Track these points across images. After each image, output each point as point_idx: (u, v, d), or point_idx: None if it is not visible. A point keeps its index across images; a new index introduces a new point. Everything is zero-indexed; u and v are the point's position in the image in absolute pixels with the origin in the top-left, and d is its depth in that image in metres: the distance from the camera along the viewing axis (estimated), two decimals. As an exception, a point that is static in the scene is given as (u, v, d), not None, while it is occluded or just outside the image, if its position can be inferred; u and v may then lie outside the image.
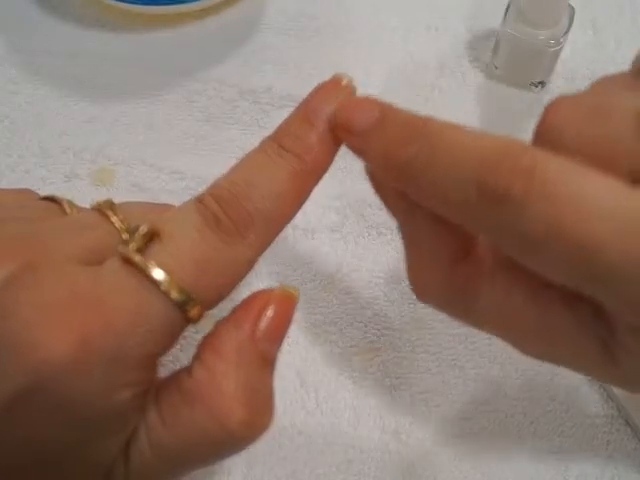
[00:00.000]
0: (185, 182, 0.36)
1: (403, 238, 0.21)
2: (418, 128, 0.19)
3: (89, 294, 0.19)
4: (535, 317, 0.19)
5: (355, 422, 0.30)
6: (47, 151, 0.37)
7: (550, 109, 0.19)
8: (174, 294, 0.19)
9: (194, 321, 0.21)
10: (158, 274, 0.19)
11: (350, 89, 0.22)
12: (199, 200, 0.21)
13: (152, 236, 0.20)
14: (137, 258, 0.20)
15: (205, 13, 0.42)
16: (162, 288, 0.19)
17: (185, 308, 0.20)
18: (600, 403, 0.30)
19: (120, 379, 0.19)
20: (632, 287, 0.16)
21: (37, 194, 0.25)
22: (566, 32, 0.36)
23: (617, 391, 0.30)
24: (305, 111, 0.22)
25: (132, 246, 0.20)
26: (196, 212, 0.21)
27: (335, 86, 0.22)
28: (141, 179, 0.36)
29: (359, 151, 0.21)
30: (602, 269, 0.16)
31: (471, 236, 0.21)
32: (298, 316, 0.32)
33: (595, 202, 0.16)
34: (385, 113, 0.21)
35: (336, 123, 0.22)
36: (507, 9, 0.37)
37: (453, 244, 0.20)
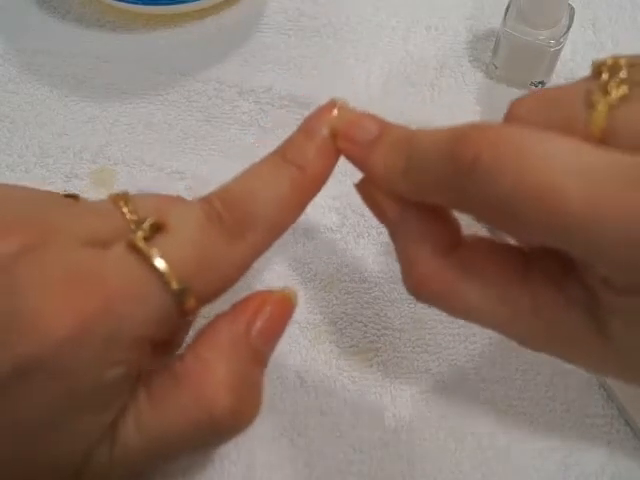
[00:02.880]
0: (185, 182, 0.36)
1: (395, 239, 0.23)
2: (406, 138, 0.22)
3: (92, 274, 0.21)
4: (527, 303, 0.20)
5: (355, 422, 0.30)
6: (47, 151, 0.37)
7: (514, 103, 0.21)
8: (173, 283, 0.21)
9: (189, 313, 0.22)
10: (160, 262, 0.21)
11: (345, 109, 0.24)
12: (205, 200, 0.23)
13: (158, 228, 0.22)
14: (142, 244, 0.21)
15: (205, 13, 0.42)
16: (162, 276, 0.21)
17: (182, 299, 0.21)
18: (600, 403, 0.30)
19: (113, 357, 0.21)
20: (594, 234, 0.17)
21: (59, 193, 0.26)
22: (566, 32, 0.36)
23: (617, 391, 0.30)
24: (304, 127, 0.24)
25: (139, 234, 0.21)
26: (200, 209, 0.22)
27: (331, 107, 0.24)
28: (141, 179, 0.36)
29: (360, 161, 0.23)
30: (566, 219, 0.17)
31: (459, 228, 0.22)
32: (298, 316, 0.32)
33: (557, 157, 0.17)
34: (382, 128, 0.23)
35: (339, 135, 0.23)
36: (507, 9, 0.37)
37: (443, 235, 0.22)
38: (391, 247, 0.34)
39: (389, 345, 0.32)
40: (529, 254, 0.21)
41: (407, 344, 0.32)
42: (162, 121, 0.38)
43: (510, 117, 0.21)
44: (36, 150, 0.37)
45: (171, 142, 0.38)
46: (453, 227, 0.22)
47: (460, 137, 0.19)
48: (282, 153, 0.24)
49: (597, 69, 0.20)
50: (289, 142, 0.24)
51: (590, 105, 0.19)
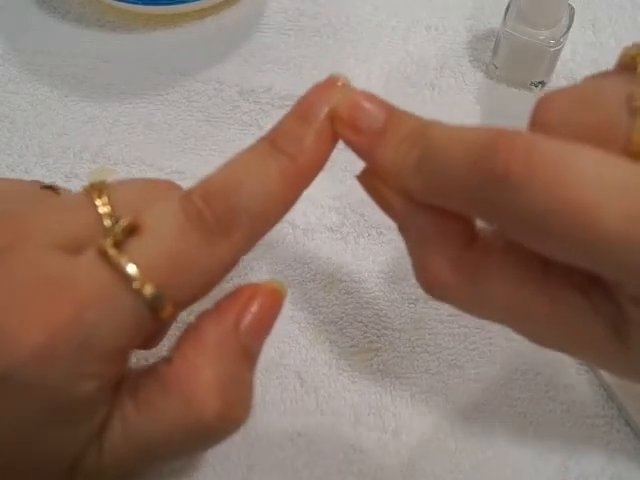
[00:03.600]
0: (185, 182, 0.36)
1: (405, 234, 0.21)
2: (420, 132, 0.20)
3: (61, 283, 0.19)
4: (546, 304, 0.19)
5: (355, 422, 0.30)
6: (47, 151, 0.37)
7: (541, 103, 0.19)
8: (146, 292, 0.19)
9: (166, 319, 0.20)
10: (131, 269, 0.19)
11: (346, 89, 0.22)
12: (185, 196, 0.21)
13: (133, 229, 0.20)
14: (111, 252, 0.19)
15: (205, 13, 0.42)
16: (134, 285, 0.19)
17: (157, 306, 0.20)
18: (600, 403, 0.30)
19: (85, 369, 0.19)
20: (630, 253, 0.16)
21: (39, 184, 0.25)
22: (566, 32, 0.36)
23: (617, 391, 0.30)
24: (299, 110, 0.22)
25: (109, 240, 0.20)
26: (180, 208, 0.21)
27: (331, 86, 0.22)
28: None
29: (364, 152, 0.21)
30: (601, 237, 0.16)
31: (474, 222, 0.21)
32: (298, 316, 0.32)
33: (591, 173, 0.16)
34: (390, 116, 0.21)
35: (340, 121, 0.21)
36: (507, 9, 0.37)
37: (458, 229, 0.20)
38: (391, 247, 0.34)
39: (389, 345, 0.32)
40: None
41: (407, 344, 0.32)
42: (162, 121, 0.38)
43: (538, 119, 0.19)
44: (36, 150, 0.37)
45: (171, 142, 0.38)
46: (468, 222, 0.21)
47: (488, 145, 0.18)
48: (271, 139, 0.22)
49: (631, 59, 0.19)
50: (279, 127, 0.22)
51: (634, 112, 0.18)
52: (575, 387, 0.31)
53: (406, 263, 0.33)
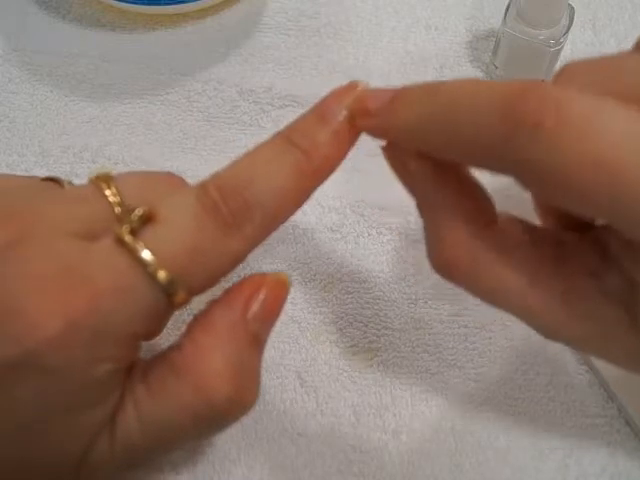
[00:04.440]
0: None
1: (424, 209, 0.21)
2: (432, 89, 0.20)
3: (78, 269, 0.20)
4: (559, 289, 0.19)
5: (355, 422, 0.30)
6: (47, 151, 0.37)
7: (565, 67, 0.20)
8: (161, 278, 0.20)
9: (179, 306, 0.21)
10: (147, 256, 0.20)
11: (363, 95, 0.22)
12: (201, 187, 0.21)
13: (148, 218, 0.21)
14: (128, 238, 0.20)
15: (205, 13, 0.42)
16: (149, 270, 0.20)
17: (171, 292, 0.20)
18: (600, 403, 0.30)
19: (101, 354, 0.20)
20: None
21: (38, 177, 0.25)
22: (566, 32, 0.36)
23: (617, 391, 0.30)
24: (318, 109, 0.22)
25: (125, 227, 0.20)
26: (196, 199, 0.21)
27: (350, 90, 0.22)
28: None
29: (379, 129, 0.21)
30: (626, 192, 0.16)
31: (493, 205, 0.21)
32: (298, 316, 0.32)
33: (622, 128, 0.16)
34: (397, 91, 0.21)
35: (354, 112, 0.22)
36: (507, 9, 0.37)
37: (479, 207, 0.20)
38: (391, 247, 0.34)
39: (389, 345, 0.32)
40: (565, 239, 0.20)
41: (407, 344, 0.32)
42: (162, 121, 0.38)
43: (562, 78, 0.19)
44: (36, 150, 0.37)
45: (171, 142, 0.38)
46: (488, 204, 0.21)
47: (519, 95, 0.17)
48: (288, 135, 0.22)
49: None
50: (297, 123, 0.22)
51: None
52: (575, 387, 0.31)
53: (406, 263, 0.34)
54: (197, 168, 0.36)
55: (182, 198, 0.21)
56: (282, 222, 0.22)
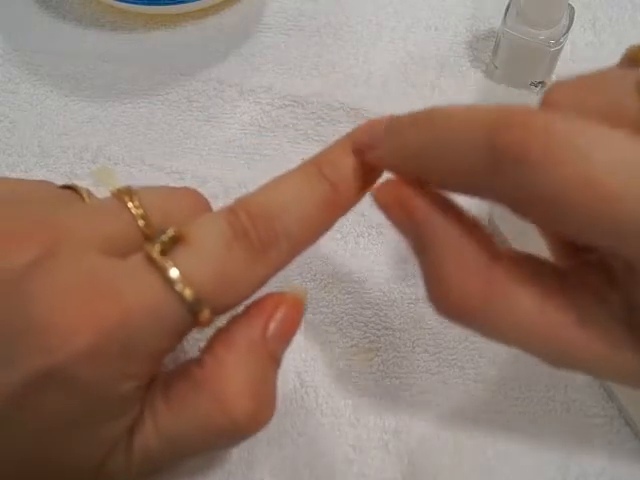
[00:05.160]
0: (185, 182, 0.36)
1: (425, 252, 0.20)
2: (423, 115, 0.20)
3: (108, 285, 0.20)
4: (566, 316, 0.19)
5: (355, 422, 0.30)
6: (47, 151, 0.37)
7: (552, 87, 0.19)
8: (188, 296, 0.20)
9: (204, 325, 0.21)
10: (175, 274, 0.20)
11: (395, 133, 0.22)
12: (231, 212, 0.22)
13: (179, 239, 0.21)
14: (158, 257, 0.20)
15: (205, 13, 0.42)
16: (177, 288, 0.20)
17: (196, 311, 0.20)
18: (600, 403, 0.30)
19: (128, 369, 0.20)
20: None
21: (55, 184, 0.26)
22: (566, 32, 0.36)
23: (617, 391, 0.30)
24: (348, 142, 0.22)
25: (157, 247, 0.20)
26: (227, 223, 0.21)
27: (380, 124, 0.22)
28: (141, 179, 0.36)
29: (374, 158, 0.21)
30: (623, 220, 0.16)
31: (493, 239, 0.20)
32: (298, 316, 0.32)
33: (612, 155, 0.16)
34: (391, 120, 0.21)
35: (358, 147, 0.22)
36: (507, 9, 0.37)
37: (483, 241, 0.20)
38: (391, 247, 0.34)
39: (389, 345, 0.32)
40: (569, 265, 0.20)
41: (407, 344, 0.32)
42: (162, 121, 0.38)
43: (548, 102, 0.19)
44: (36, 150, 0.37)
45: (171, 142, 0.38)
46: (489, 238, 0.20)
47: (504, 123, 0.17)
48: (319, 165, 0.22)
49: (634, 56, 0.19)
50: (328, 154, 0.23)
51: None
52: (575, 387, 0.31)
53: (406, 263, 0.34)
54: (197, 168, 0.36)
55: (213, 222, 0.22)
56: (304, 250, 0.23)
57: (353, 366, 0.31)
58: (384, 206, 0.21)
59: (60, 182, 0.35)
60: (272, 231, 0.21)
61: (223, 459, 0.29)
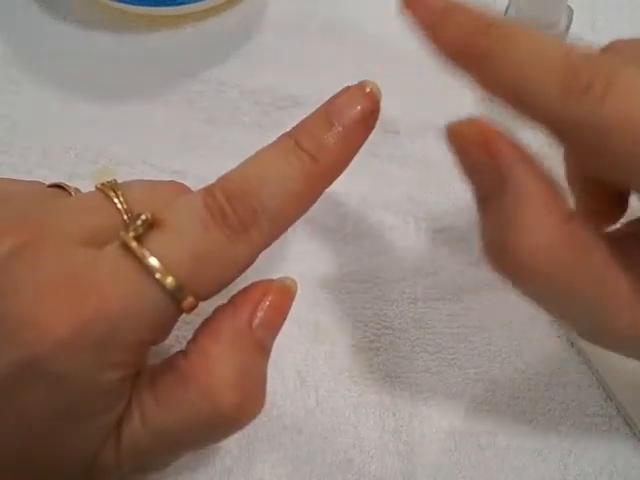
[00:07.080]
0: (186, 182, 0.36)
1: (502, 201, 0.19)
2: (492, 21, 0.20)
3: (86, 276, 0.20)
4: (627, 286, 0.19)
5: (355, 422, 0.30)
6: (48, 151, 0.37)
7: (610, 44, 0.21)
8: (168, 283, 0.20)
9: (187, 311, 0.21)
10: (154, 262, 0.20)
11: (374, 96, 0.22)
12: (207, 192, 0.21)
13: (154, 224, 0.20)
14: (134, 245, 0.20)
15: (206, 14, 0.42)
16: (157, 276, 0.20)
17: (178, 298, 0.20)
18: (600, 403, 0.30)
19: (109, 360, 0.20)
20: None
21: (44, 184, 0.26)
22: (565, 33, 0.36)
23: (616, 391, 0.30)
24: (326, 111, 0.22)
25: (131, 233, 0.20)
26: (203, 204, 0.21)
27: (359, 91, 0.22)
28: (142, 179, 0.36)
29: (432, 29, 0.22)
30: None
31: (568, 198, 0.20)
32: (298, 316, 0.32)
33: None
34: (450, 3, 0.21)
35: (365, 114, 0.22)
36: (507, 9, 0.37)
37: (562, 199, 0.19)
38: (391, 247, 0.34)
39: (389, 345, 0.32)
40: (629, 232, 0.21)
41: (407, 344, 0.32)
42: (163, 122, 0.38)
43: (610, 52, 0.21)
44: (37, 151, 0.37)
45: (172, 143, 0.38)
46: (565, 199, 0.20)
47: (576, 60, 0.19)
48: (295, 137, 0.22)
49: None
50: (305, 125, 0.22)
51: None
52: (574, 386, 0.31)
53: (406, 263, 0.34)
54: (198, 169, 0.36)
55: (188, 202, 0.21)
56: (288, 226, 0.22)
57: (353, 366, 0.31)
58: (463, 143, 0.20)
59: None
60: (251, 209, 0.21)
61: (224, 456, 0.29)
